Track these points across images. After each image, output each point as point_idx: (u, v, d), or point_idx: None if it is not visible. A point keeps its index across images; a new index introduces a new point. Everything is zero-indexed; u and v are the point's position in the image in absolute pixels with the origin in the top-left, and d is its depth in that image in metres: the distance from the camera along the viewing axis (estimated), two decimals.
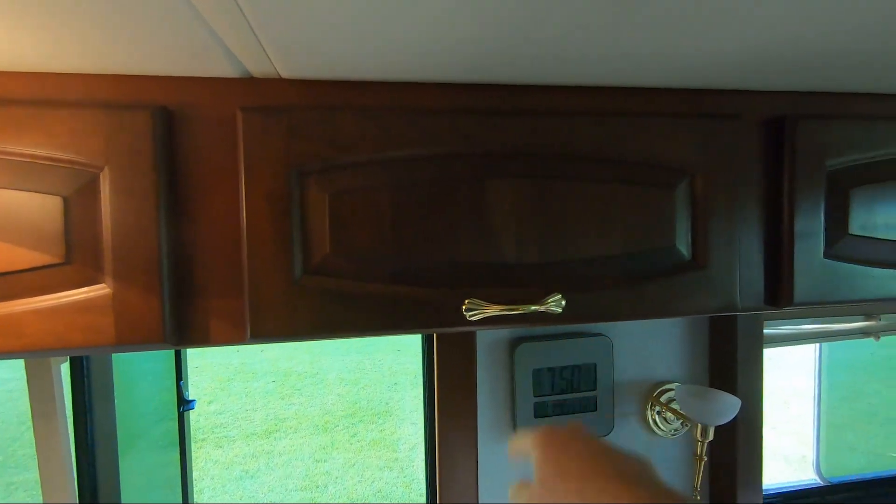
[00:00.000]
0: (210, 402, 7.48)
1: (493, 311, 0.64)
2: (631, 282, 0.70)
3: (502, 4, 0.43)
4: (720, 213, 0.72)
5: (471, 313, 0.64)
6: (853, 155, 0.77)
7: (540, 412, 1.19)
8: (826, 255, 0.77)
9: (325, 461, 5.87)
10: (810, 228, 0.75)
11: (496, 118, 0.66)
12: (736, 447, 1.27)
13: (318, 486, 5.40)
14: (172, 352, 1.16)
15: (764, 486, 1.48)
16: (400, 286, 0.64)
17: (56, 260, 0.58)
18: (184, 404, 1.17)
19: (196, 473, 5.49)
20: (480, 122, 0.65)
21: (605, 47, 0.54)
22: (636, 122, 0.69)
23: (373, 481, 5.57)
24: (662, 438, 1.28)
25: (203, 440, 6.27)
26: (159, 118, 0.59)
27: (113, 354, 1.14)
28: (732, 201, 0.73)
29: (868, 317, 1.35)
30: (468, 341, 1.12)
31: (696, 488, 1.18)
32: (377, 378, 8.10)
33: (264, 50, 0.52)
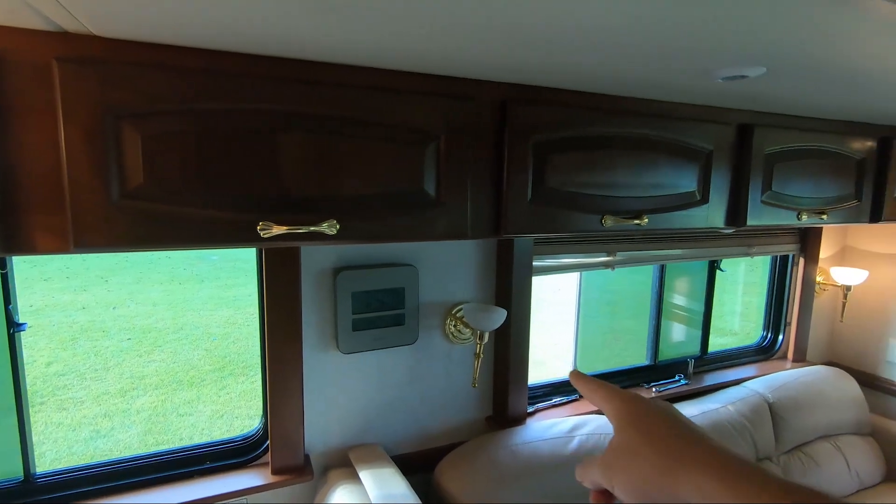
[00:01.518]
0: (49, 364, 6.79)
1: (280, 230, 0.87)
2: (390, 213, 0.98)
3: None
4: (457, 166, 1.03)
5: (263, 232, 0.87)
6: (554, 132, 1.12)
7: (357, 326, 1.47)
8: (531, 201, 1.12)
9: (190, 415, 5.77)
10: (520, 181, 1.10)
11: (289, 85, 0.87)
12: (509, 351, 1.69)
13: (181, 440, 5.33)
14: None
15: (539, 381, 1.96)
16: (207, 210, 0.84)
17: None
18: (14, 326, 1.24)
19: (35, 438, 5.07)
20: (275, 87, 0.85)
21: (373, 42, 0.78)
22: (399, 96, 0.95)
23: (242, 429, 5.63)
24: (457, 345, 1.65)
25: (42, 404, 5.75)
26: None
27: None
28: (466, 159, 1.04)
29: (609, 253, 1.85)
30: (292, 269, 1.35)
31: (475, 378, 1.58)
32: (249, 332, 7.93)
33: (69, 11, 0.66)
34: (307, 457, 1.47)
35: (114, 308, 8.67)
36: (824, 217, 1.54)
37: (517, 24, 0.68)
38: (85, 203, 0.77)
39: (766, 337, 2.47)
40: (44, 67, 0.75)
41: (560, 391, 1.96)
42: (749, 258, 2.17)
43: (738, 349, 2.42)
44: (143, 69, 0.78)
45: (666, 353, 2.17)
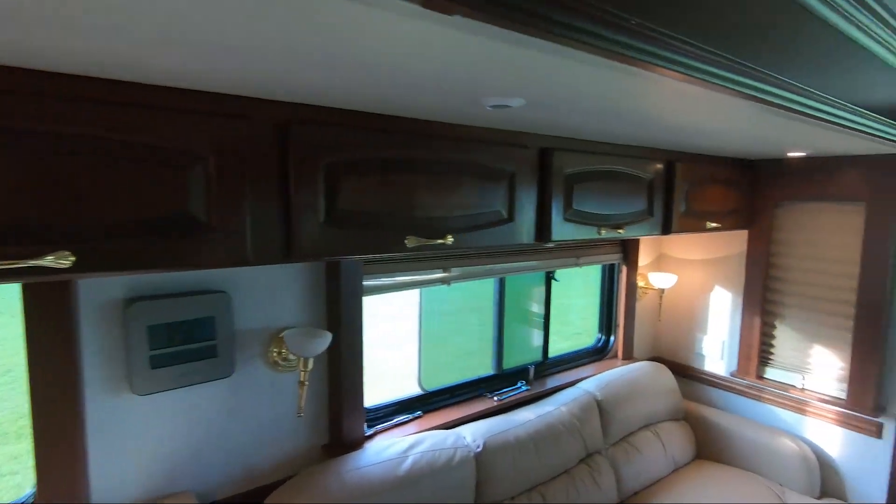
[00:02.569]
0: None
1: None
2: (147, 240, 0.88)
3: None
4: (231, 189, 0.96)
5: None
6: (344, 154, 1.10)
7: (157, 363, 1.31)
8: (324, 223, 1.09)
9: (18, 473, 4.87)
10: (309, 203, 1.06)
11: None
12: (341, 374, 1.64)
13: None
14: None
15: (381, 402, 1.93)
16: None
17: None
18: None
19: None
20: None
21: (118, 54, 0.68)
22: (153, 113, 0.86)
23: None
24: (284, 373, 1.56)
25: None
26: None
27: None
28: (243, 181, 0.97)
29: (444, 269, 1.89)
30: (62, 303, 1.17)
31: (301, 407, 1.49)
32: None
33: None
34: None
35: None
36: (621, 231, 1.72)
37: (283, 45, 0.65)
38: None
39: (601, 339, 2.70)
40: None
41: (406, 409, 1.95)
42: (579, 267, 2.36)
43: (576, 352, 2.62)
44: None
45: (510, 361, 2.27)
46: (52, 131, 0.79)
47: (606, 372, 2.38)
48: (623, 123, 1.29)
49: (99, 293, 1.26)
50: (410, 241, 1.21)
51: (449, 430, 1.81)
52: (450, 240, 1.27)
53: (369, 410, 1.83)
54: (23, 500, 1.27)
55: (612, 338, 2.68)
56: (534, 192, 1.51)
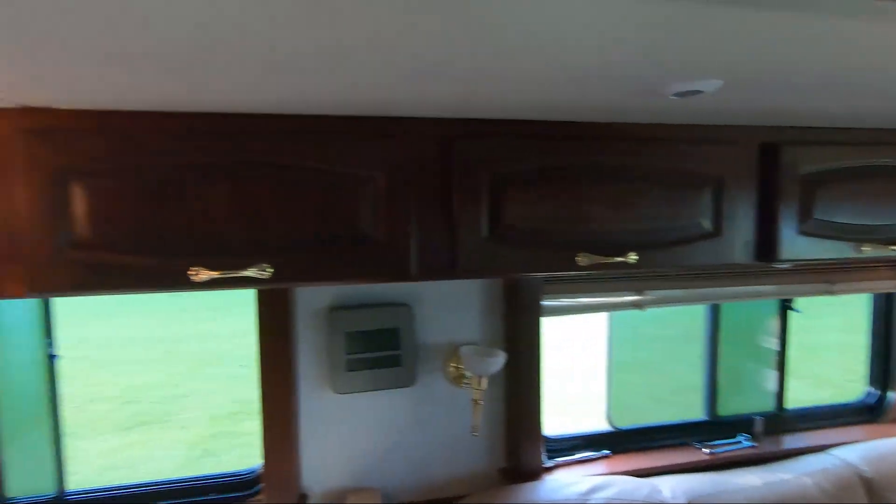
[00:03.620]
0: (177, 386, 7.71)
1: (210, 275, 0.91)
2: (324, 255, 0.98)
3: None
4: (398, 206, 1.00)
5: (194, 277, 0.91)
6: (508, 165, 1.05)
7: (352, 367, 1.46)
8: (487, 239, 1.05)
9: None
10: (472, 219, 1.04)
11: (207, 137, 0.93)
12: (519, 398, 1.57)
13: None
14: (42, 312, 1.43)
15: (565, 433, 1.78)
16: (144, 257, 0.91)
17: None
18: (52, 356, 1.44)
19: (160, 453, 5.73)
20: (194, 140, 0.91)
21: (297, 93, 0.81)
22: (325, 139, 0.97)
23: None
24: (463, 389, 1.57)
25: (167, 422, 6.51)
26: None
27: None
28: (409, 198, 1.01)
29: (638, 291, 1.65)
30: (283, 309, 1.40)
31: (475, 426, 1.47)
32: None
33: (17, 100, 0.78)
34: (304, 495, 1.47)
35: (235, 337, 9.69)
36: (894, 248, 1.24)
37: (441, 61, 0.66)
38: (37, 254, 0.87)
39: (871, 393, 2.01)
40: (6, 136, 0.88)
41: (592, 445, 1.76)
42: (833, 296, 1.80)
43: (829, 407, 1.99)
44: (81, 133, 0.88)
45: (728, 407, 1.85)
46: (251, 161, 0.94)
47: (880, 440, 1.74)
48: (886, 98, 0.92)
49: (311, 302, 1.46)
50: (583, 259, 1.08)
51: (642, 480, 1.56)
52: (632, 258, 1.10)
53: (550, 440, 1.71)
54: (253, 470, 1.54)
55: (889, 394, 1.96)
56: (752, 200, 1.20)
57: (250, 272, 0.93)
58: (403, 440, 1.55)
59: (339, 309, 1.46)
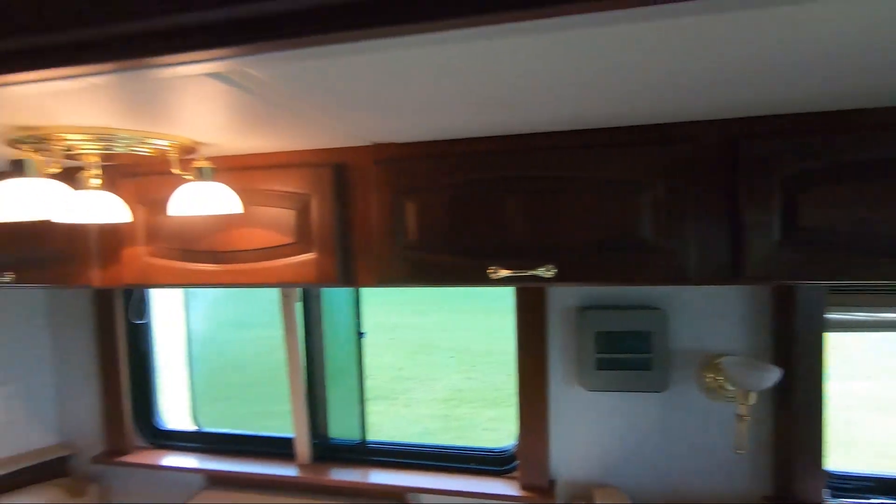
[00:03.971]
0: (401, 369, 8.89)
1: (505, 273, 1.07)
2: (603, 258, 1.05)
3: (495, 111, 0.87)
4: (676, 210, 1.01)
5: (492, 275, 1.08)
6: (802, 164, 0.96)
7: (600, 366, 1.52)
8: (780, 243, 0.98)
9: (493, 430, 6.55)
10: (762, 222, 0.98)
11: (509, 155, 1.08)
12: (793, 421, 1.40)
13: None
14: (354, 299, 1.85)
15: (856, 471, 1.51)
16: (454, 257, 1.12)
17: (292, 241, 1.22)
18: (359, 334, 1.85)
19: (387, 424, 6.73)
20: (498, 159, 1.08)
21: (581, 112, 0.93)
22: (609, 151, 1.04)
23: None
24: (718, 402, 1.47)
25: (395, 399, 7.56)
26: (335, 169, 1.18)
27: (323, 300, 1.87)
28: (688, 202, 1.01)
29: None
30: (538, 306, 1.53)
31: (740, 444, 1.37)
32: None
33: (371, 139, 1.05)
34: (552, 482, 1.58)
35: (443, 330, 10.71)
36: None
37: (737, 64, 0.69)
38: (382, 252, 1.16)
39: None
40: (368, 168, 1.18)
41: (890, 492, 1.46)
42: None
43: None
44: (416, 160, 1.13)
45: None
46: (543, 175, 1.07)
47: None
48: None
49: (561, 301, 1.56)
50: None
51: None
52: None
53: (833, 476, 1.47)
54: (509, 447, 1.71)
55: None
56: None
57: (539, 272, 1.06)
58: (650, 445, 1.54)
59: (589, 309, 1.53)
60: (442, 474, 1.69)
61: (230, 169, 1.21)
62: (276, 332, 1.81)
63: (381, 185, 1.15)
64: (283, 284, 1.27)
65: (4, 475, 1.83)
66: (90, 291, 1.93)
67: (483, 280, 1.10)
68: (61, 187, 0.93)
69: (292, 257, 1.23)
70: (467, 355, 9.27)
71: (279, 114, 0.88)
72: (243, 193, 1.19)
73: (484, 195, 1.10)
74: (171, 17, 0.53)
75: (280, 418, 2.15)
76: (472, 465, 1.71)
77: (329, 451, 1.86)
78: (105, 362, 1.94)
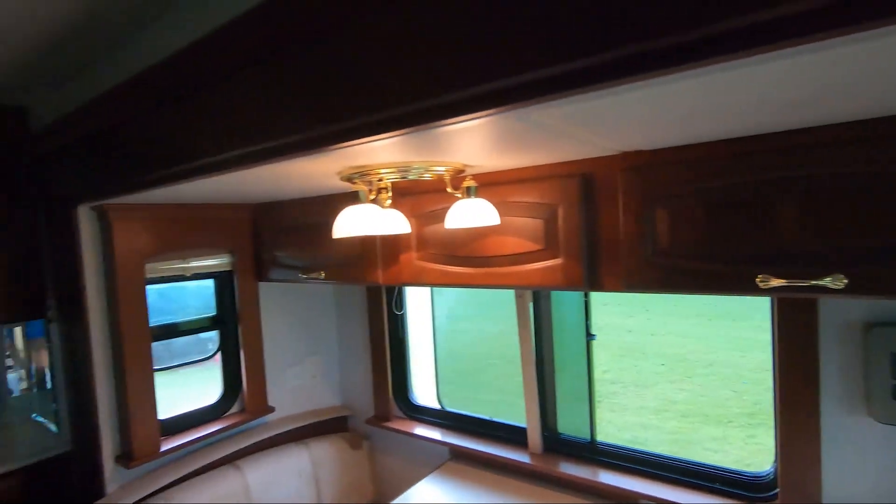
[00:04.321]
0: (605, 372, 8.55)
1: (778, 283, 0.99)
2: None
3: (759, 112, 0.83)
4: None
5: (762, 283, 1.01)
6: None
7: None
8: None
9: (714, 452, 5.84)
10: None
11: (774, 155, 0.99)
12: None
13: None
14: (583, 302, 1.89)
15: None
16: (713, 265, 1.08)
17: (540, 248, 1.33)
18: (589, 336, 1.88)
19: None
20: (763, 159, 1.00)
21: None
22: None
23: None
24: None
25: (599, 402, 7.33)
26: (582, 179, 1.25)
27: (553, 302, 1.97)
28: None
29: None
30: (808, 319, 1.34)
31: None
32: None
33: (620, 149, 1.08)
34: None
35: (651, 335, 9.91)
36: None
37: None
38: (631, 258, 1.18)
39: None
40: (613, 177, 1.22)
41: None
42: None
43: None
44: (665, 165, 1.12)
45: None
46: (820, 173, 0.95)
47: None
48: None
49: (838, 315, 1.34)
50: None
51: None
52: None
53: None
54: (766, 473, 1.54)
55: None
56: None
57: (825, 282, 0.94)
58: None
59: (883, 325, 1.28)
60: (681, 489, 1.61)
61: (485, 185, 1.39)
62: (484, 325, 1.98)
63: (629, 192, 1.17)
64: (532, 287, 1.40)
65: (308, 424, 2.41)
66: (363, 287, 2.41)
67: (748, 289, 1.03)
68: (376, 209, 1.22)
69: (540, 262, 1.34)
70: (681, 364, 8.41)
71: (544, 136, 0.98)
72: (497, 206, 1.35)
73: (749, 198, 1.03)
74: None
75: (486, 406, 2.34)
76: (718, 486, 1.59)
77: (558, 445, 1.95)
78: (374, 344, 2.39)
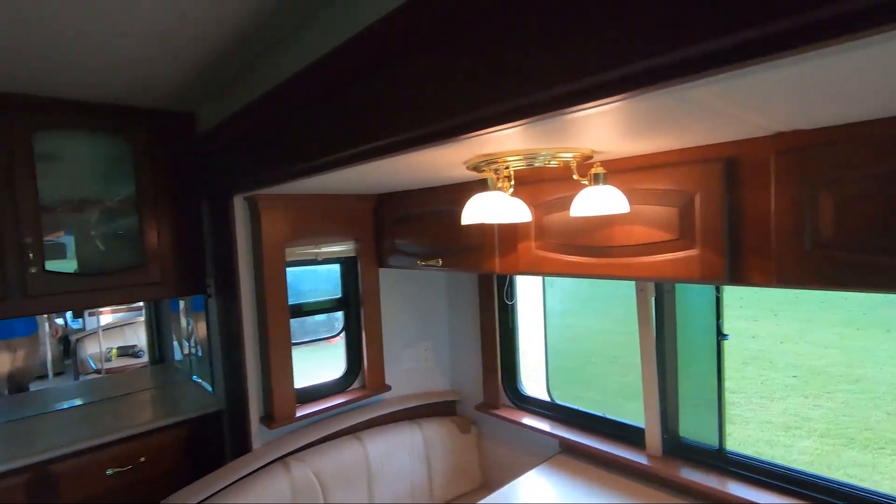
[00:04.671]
0: (726, 379, 7.81)
1: None
2: None
3: None
4: None
5: None
6: None
7: None
8: None
9: (862, 480, 5.11)
10: None
11: None
12: None
13: None
14: (714, 297, 1.75)
15: None
16: (883, 256, 0.94)
17: (673, 237, 1.26)
18: (721, 335, 1.74)
19: (709, 436, 6.04)
20: None
21: None
22: None
23: None
24: None
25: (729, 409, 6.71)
26: (726, 163, 1.16)
27: (676, 296, 1.85)
28: None
29: None
30: None
31: None
32: None
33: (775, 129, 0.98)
34: None
35: (781, 342, 8.84)
36: None
37: None
38: (786, 251, 1.07)
39: None
40: (764, 161, 1.11)
41: None
42: None
43: None
44: (831, 146, 0.99)
45: None
46: None
47: None
48: None
49: None
50: None
51: None
52: None
53: None
54: None
55: None
56: None
57: None
58: None
59: None
60: None
61: (611, 172, 1.34)
62: (587, 322, 1.90)
63: (785, 177, 1.06)
64: (661, 279, 1.33)
65: (420, 405, 2.53)
66: (475, 277, 2.46)
67: None
68: (504, 196, 1.24)
69: (672, 253, 1.27)
70: (818, 377, 7.42)
71: (691, 116, 0.92)
72: (624, 194, 1.29)
73: None
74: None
75: (585, 405, 2.26)
76: None
77: (679, 449, 1.84)
78: (484, 333, 2.44)
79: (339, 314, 2.46)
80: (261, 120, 1.65)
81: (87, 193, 2.30)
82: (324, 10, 1.38)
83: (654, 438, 1.85)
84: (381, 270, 2.41)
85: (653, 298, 1.82)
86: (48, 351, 3.20)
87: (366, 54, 1.09)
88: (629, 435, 1.98)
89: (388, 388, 2.45)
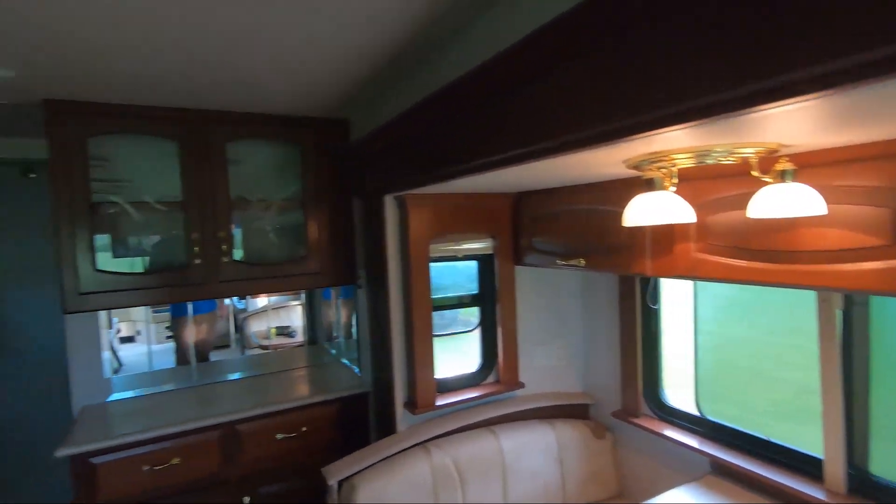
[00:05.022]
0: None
1: None
2: None
3: None
4: None
5: None
6: None
7: None
8: None
9: None
10: None
11: None
12: None
13: None
14: None
15: None
16: None
17: (883, 243, 1.07)
18: None
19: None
20: None
21: None
22: None
23: None
24: None
25: (801, 421, 5.60)
26: None
27: (871, 309, 1.58)
28: None
29: None
30: None
31: None
32: None
33: None
34: None
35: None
36: None
37: None
38: None
39: None
40: None
41: None
42: None
43: None
44: None
45: None
46: None
47: None
48: None
49: None
50: None
51: None
52: None
53: None
54: None
55: None
56: None
57: None
58: None
59: None
60: None
61: (802, 166, 1.18)
62: (729, 329, 1.67)
63: None
64: (863, 291, 1.14)
65: (552, 405, 2.49)
66: (614, 278, 2.35)
67: None
68: (670, 196, 1.16)
69: (880, 262, 1.09)
70: None
71: None
72: (818, 191, 1.13)
73: None
74: None
75: (723, 420, 2.01)
76: None
77: (869, 488, 1.57)
78: (624, 336, 2.32)
79: (476, 309, 2.53)
80: (414, 126, 1.76)
81: (262, 193, 2.66)
82: (471, 26, 1.43)
83: (836, 472, 1.61)
84: (516, 267, 2.43)
85: (839, 311, 1.58)
86: (231, 326, 3.77)
87: (530, 60, 1.09)
88: (799, 464, 1.74)
89: (522, 385, 2.46)
